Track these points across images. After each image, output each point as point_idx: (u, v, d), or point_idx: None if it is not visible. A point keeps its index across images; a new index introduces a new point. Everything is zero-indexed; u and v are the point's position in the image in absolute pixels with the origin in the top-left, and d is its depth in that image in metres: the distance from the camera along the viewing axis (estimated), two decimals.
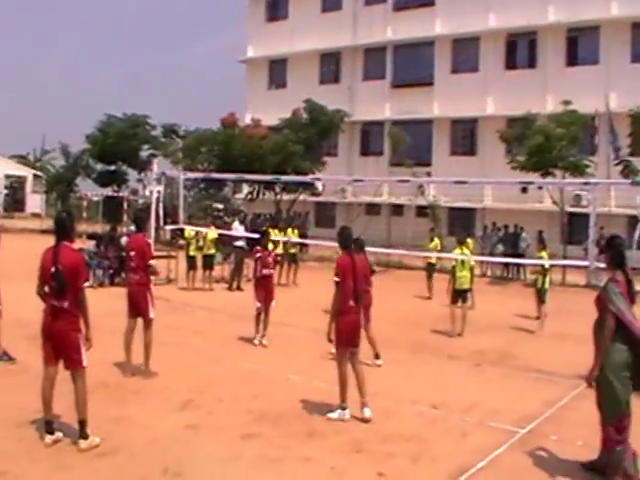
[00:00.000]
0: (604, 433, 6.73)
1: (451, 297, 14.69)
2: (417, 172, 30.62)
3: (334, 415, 8.15)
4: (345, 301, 8.21)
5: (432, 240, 22.10)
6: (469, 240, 18.87)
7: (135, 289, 10.03)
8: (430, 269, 21.37)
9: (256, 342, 12.45)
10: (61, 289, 6.90)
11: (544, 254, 16.10)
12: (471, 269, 15.03)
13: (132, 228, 21.98)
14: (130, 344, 9.97)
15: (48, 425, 7.04)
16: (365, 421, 8.08)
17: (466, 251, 15.16)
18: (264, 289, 12.75)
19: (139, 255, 9.98)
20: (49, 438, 6.98)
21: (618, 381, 6.54)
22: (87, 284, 7.20)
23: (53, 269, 6.92)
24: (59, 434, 7.07)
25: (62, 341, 6.97)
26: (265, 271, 12.86)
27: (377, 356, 11.19)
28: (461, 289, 14.66)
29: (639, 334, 6.54)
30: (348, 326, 8.24)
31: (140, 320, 10.00)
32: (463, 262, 14.74)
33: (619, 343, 6.58)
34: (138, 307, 9.93)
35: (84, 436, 6.96)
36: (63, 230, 7.15)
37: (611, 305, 6.60)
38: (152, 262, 10.06)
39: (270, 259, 13.05)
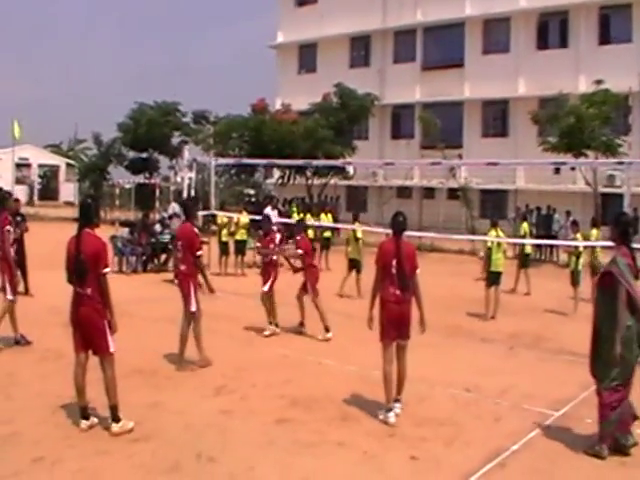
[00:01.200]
0: (600, 399, 6.96)
1: (487, 279, 14.57)
2: (448, 155, 30.38)
3: (380, 416, 7.73)
4: (386, 289, 7.78)
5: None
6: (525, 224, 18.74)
7: (180, 279, 9.86)
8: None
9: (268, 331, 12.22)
10: (83, 276, 6.94)
11: (578, 236, 15.95)
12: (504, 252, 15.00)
13: (164, 214, 22.24)
14: (185, 337, 9.64)
15: (83, 410, 7.10)
16: (396, 415, 7.70)
17: (501, 233, 15.05)
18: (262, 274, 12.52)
19: (186, 245, 9.71)
20: (84, 423, 7.05)
21: (628, 352, 6.77)
22: (108, 270, 7.14)
23: (75, 256, 6.98)
24: (94, 419, 7.14)
25: (88, 328, 7.01)
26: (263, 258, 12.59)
27: (327, 329, 11.82)
28: (496, 271, 14.55)
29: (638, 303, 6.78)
30: (390, 316, 7.72)
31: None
32: (499, 244, 14.65)
33: (629, 314, 6.78)
34: (184, 298, 9.67)
35: (116, 420, 7.02)
36: (86, 216, 7.18)
37: (622, 278, 6.78)
38: (200, 253, 9.79)
39: (271, 245, 12.36)
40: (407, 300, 7.80)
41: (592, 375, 7.13)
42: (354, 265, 16.95)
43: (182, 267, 9.78)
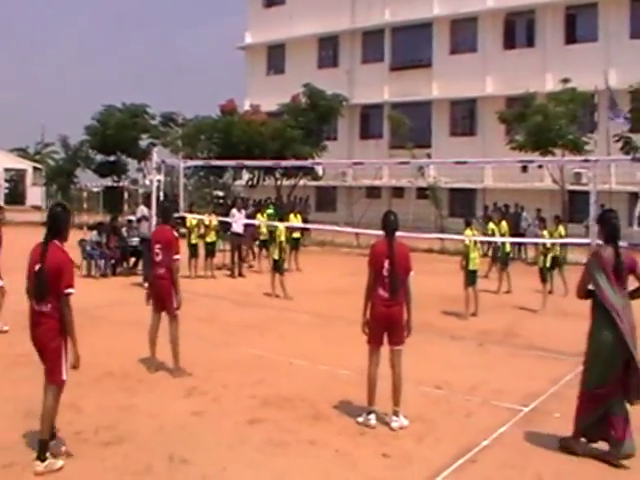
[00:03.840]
0: (578, 400, 6.91)
1: (465, 279, 14.65)
2: (417, 154, 30.60)
3: (360, 419, 7.64)
4: (376, 291, 7.56)
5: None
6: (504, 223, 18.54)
7: (160, 284, 9.65)
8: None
9: None
10: (43, 291, 6.28)
11: (545, 233, 16.20)
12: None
13: (132, 217, 22.10)
14: (155, 339, 9.68)
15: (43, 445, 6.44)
16: (392, 429, 7.51)
17: (475, 232, 15.21)
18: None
19: (166, 248, 9.59)
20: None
21: (600, 360, 6.66)
22: (72, 291, 6.29)
23: (37, 267, 6.30)
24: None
25: (41, 349, 6.42)
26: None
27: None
28: (474, 270, 14.69)
29: (612, 312, 6.59)
30: (378, 319, 7.56)
31: (165, 315, 9.68)
32: (475, 243, 14.80)
33: (602, 320, 6.67)
34: (162, 302, 9.58)
35: (42, 457, 6.23)
36: (55, 227, 6.46)
37: (591, 281, 6.76)
38: (178, 256, 9.65)
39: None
40: (398, 303, 7.55)
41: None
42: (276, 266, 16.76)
43: (161, 270, 9.63)
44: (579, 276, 6.97)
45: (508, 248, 18.87)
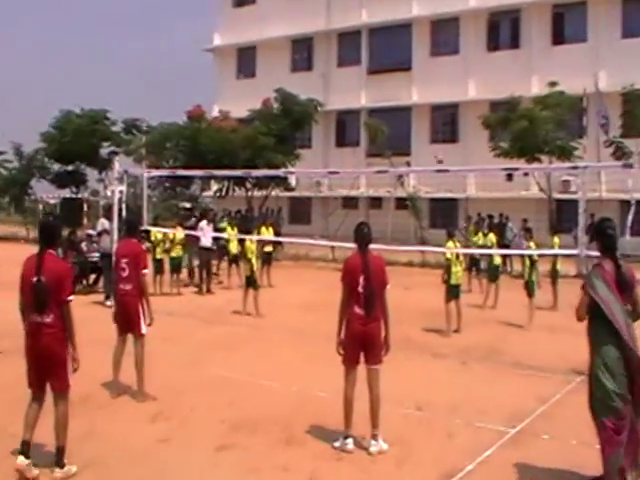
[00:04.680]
0: (599, 436, 6.44)
1: (446, 293, 14.69)
2: (396, 162, 30.73)
3: (336, 443, 7.60)
4: (351, 308, 7.53)
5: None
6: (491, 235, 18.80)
7: (126, 301, 9.56)
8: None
9: None
10: (43, 303, 6.65)
11: (531, 244, 16.31)
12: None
13: (92, 232, 21.97)
14: (119, 362, 9.62)
15: (25, 446, 6.71)
16: (370, 454, 7.46)
17: (457, 244, 15.29)
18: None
19: (133, 263, 9.53)
20: (21, 461, 6.64)
21: (609, 374, 6.31)
22: (72, 297, 6.84)
23: (35, 279, 6.66)
24: (33, 469, 6.70)
25: (47, 360, 6.73)
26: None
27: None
28: (457, 284, 14.76)
29: (615, 324, 6.31)
30: (353, 337, 7.53)
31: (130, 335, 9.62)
32: (458, 256, 14.86)
33: (606, 336, 6.38)
34: (129, 321, 9.50)
35: (61, 464, 6.72)
36: (48, 237, 6.94)
37: (591, 290, 6.41)
38: (146, 271, 9.69)
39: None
40: (374, 320, 7.53)
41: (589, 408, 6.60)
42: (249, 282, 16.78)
43: (127, 287, 9.55)
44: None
45: (498, 260, 18.96)
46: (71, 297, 6.83)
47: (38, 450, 6.93)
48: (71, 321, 6.78)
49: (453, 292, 14.68)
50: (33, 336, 6.72)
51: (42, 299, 6.64)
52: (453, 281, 14.66)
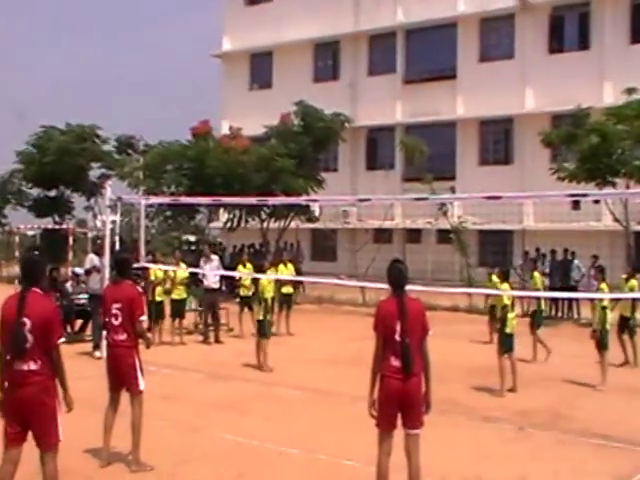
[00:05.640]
0: None
1: (500, 344, 14.61)
2: (438, 188, 30.67)
3: None
4: (386, 360, 7.54)
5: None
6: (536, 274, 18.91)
7: (120, 353, 9.52)
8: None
9: None
10: (26, 348, 6.79)
11: (604, 286, 16.16)
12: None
13: (78, 270, 22.12)
14: (111, 425, 9.55)
15: None
16: None
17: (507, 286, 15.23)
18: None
19: (127, 309, 9.49)
20: None
21: None
22: (62, 340, 7.09)
23: (18, 322, 6.80)
24: None
25: (34, 413, 6.84)
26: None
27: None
28: (511, 334, 14.66)
29: None
30: (390, 396, 7.50)
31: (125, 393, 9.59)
32: (513, 300, 14.80)
33: None
34: (123, 377, 9.48)
35: None
36: (32, 274, 7.17)
37: None
38: (143, 318, 9.70)
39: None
40: (414, 375, 7.52)
41: None
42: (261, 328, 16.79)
43: (121, 337, 9.52)
44: None
45: (542, 305, 18.94)
46: (61, 339, 7.03)
47: None
48: (62, 365, 6.96)
49: (508, 343, 14.58)
50: (16, 386, 6.81)
51: (23, 344, 6.76)
52: (508, 330, 14.55)
